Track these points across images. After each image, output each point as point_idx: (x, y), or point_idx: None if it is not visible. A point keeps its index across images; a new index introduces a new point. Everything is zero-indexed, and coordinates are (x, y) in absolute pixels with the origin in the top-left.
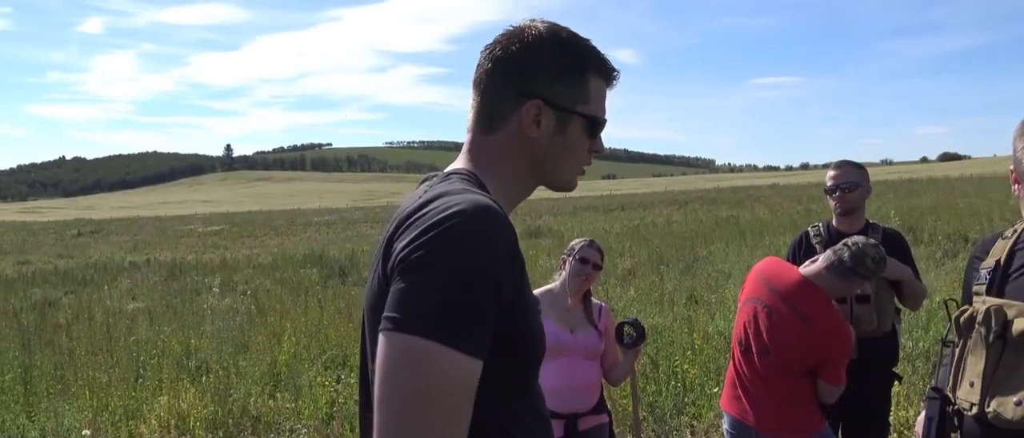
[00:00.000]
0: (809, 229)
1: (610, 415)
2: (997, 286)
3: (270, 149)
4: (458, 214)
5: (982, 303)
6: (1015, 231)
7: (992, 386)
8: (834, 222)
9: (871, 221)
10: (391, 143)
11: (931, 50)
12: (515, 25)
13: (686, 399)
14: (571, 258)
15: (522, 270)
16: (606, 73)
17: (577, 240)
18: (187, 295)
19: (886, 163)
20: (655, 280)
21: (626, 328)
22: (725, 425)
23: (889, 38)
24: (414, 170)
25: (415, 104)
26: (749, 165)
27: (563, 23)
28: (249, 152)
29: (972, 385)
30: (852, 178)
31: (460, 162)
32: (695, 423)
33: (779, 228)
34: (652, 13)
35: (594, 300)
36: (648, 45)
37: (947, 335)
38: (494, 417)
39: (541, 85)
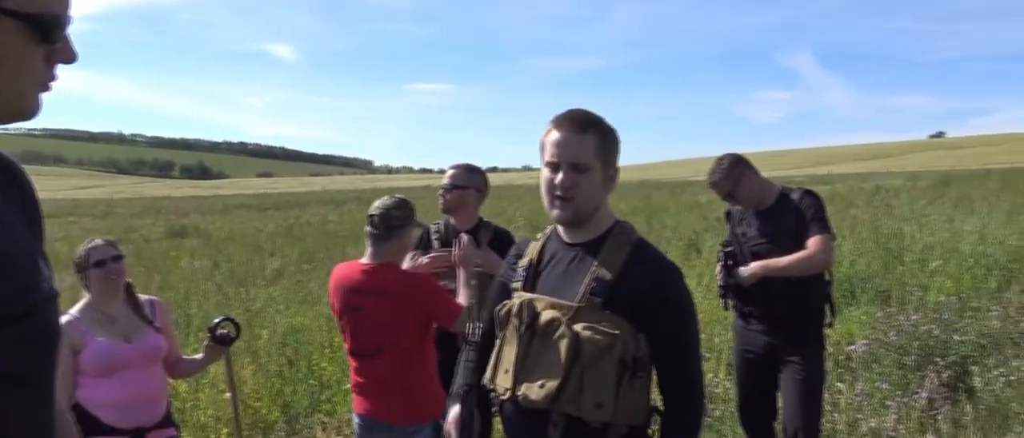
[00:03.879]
0: (431, 226)
1: (177, 427)
2: (530, 282)
3: None
4: None
5: (518, 298)
6: (545, 234)
7: (521, 373)
8: (452, 219)
9: (484, 219)
10: (6, 130)
11: (563, 69)
12: None
13: (322, 396)
14: (88, 270)
15: None
16: None
17: (82, 247)
18: None
19: (527, 169)
20: (302, 280)
21: (223, 324)
22: (355, 423)
23: (529, 55)
24: (37, 160)
25: None
26: (405, 167)
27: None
28: None
29: (507, 372)
30: (458, 182)
31: None
32: (327, 420)
33: None
34: (312, 10)
35: (142, 296)
36: (308, 42)
37: (470, 337)
38: None
39: None
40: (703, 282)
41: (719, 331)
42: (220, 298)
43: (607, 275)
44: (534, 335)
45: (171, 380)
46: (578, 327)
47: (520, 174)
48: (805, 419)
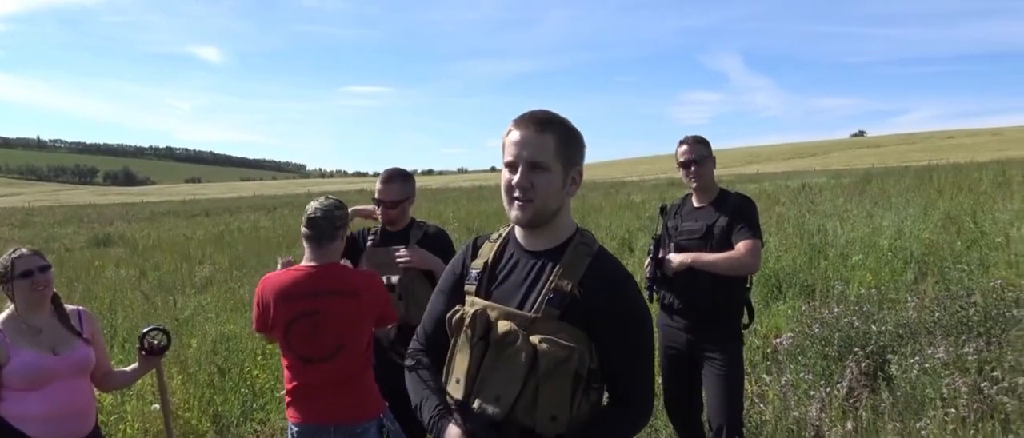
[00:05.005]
0: (367, 230)
1: None
2: (484, 287)
3: None
4: None
5: (471, 305)
6: (500, 235)
7: (475, 384)
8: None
9: (418, 221)
10: None
11: (498, 71)
12: None
13: (255, 405)
14: (13, 281)
15: None
16: None
17: (5, 257)
18: None
19: (462, 171)
20: (233, 287)
21: (153, 334)
22: (294, 433)
23: (464, 58)
24: None
25: None
26: (340, 171)
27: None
28: None
29: (458, 382)
30: (398, 196)
31: None
32: (260, 428)
33: None
34: (240, 11)
35: (69, 306)
36: (236, 44)
37: (412, 348)
38: None
39: None
40: (636, 279)
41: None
42: (147, 307)
43: (566, 286)
44: (488, 346)
45: (96, 392)
46: (535, 339)
47: (455, 176)
48: (728, 413)
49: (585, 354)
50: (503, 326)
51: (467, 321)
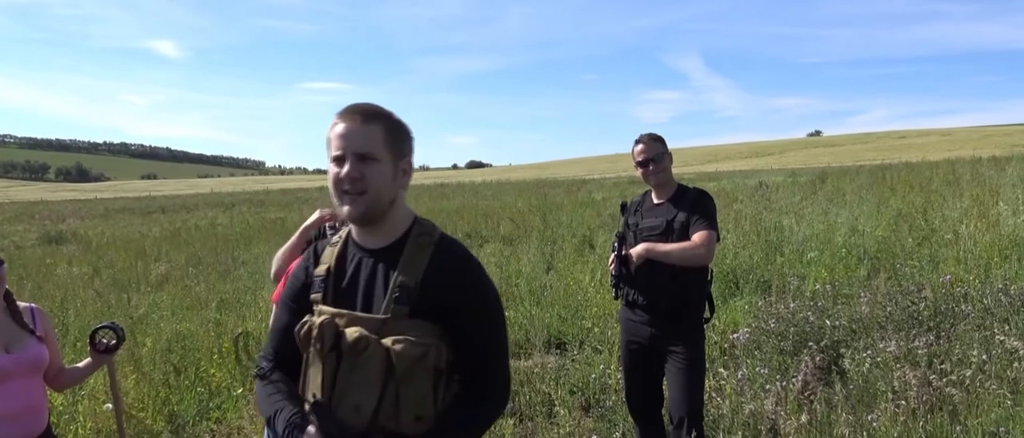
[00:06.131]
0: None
1: None
2: (330, 294)
3: None
4: None
5: (319, 315)
6: (340, 236)
7: (332, 398)
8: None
9: None
10: None
11: (457, 69)
12: None
13: (211, 404)
14: None
15: None
16: None
17: None
18: None
19: (424, 168)
20: (189, 285)
21: (103, 332)
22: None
23: (424, 55)
24: None
25: None
26: (299, 168)
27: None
28: None
29: (314, 397)
30: None
31: None
32: (216, 427)
33: None
34: (197, 5)
35: (21, 303)
36: (192, 39)
37: (258, 368)
38: None
39: None
40: (596, 277)
41: (612, 324)
42: (100, 305)
43: (410, 282)
44: (341, 356)
45: (48, 391)
46: (388, 341)
47: (417, 174)
48: (689, 406)
49: (442, 348)
50: (353, 333)
51: (315, 333)
